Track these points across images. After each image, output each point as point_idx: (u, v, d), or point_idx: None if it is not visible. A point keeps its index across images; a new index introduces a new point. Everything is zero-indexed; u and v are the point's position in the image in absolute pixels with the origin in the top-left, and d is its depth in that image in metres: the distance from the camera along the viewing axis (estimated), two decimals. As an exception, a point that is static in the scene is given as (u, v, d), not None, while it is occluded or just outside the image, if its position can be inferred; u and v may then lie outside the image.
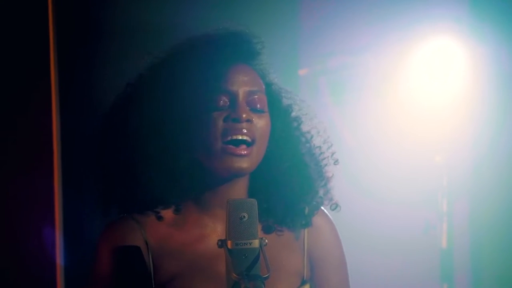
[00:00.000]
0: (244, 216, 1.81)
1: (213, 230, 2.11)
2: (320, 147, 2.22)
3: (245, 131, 2.05)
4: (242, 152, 2.04)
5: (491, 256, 4.42)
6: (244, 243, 1.80)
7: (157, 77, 2.13)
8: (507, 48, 4.18)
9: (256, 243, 1.81)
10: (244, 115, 2.04)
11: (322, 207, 2.24)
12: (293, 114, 2.21)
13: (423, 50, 4.22)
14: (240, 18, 3.84)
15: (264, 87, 2.14)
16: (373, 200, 4.32)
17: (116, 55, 3.52)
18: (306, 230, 2.20)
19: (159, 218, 2.12)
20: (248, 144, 2.05)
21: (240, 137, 2.04)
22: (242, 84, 2.09)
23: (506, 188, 4.33)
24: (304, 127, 2.22)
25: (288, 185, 2.16)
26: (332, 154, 2.23)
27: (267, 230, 2.16)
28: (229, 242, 1.80)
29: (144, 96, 2.12)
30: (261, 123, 2.09)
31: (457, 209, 4.33)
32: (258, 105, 2.10)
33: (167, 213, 2.13)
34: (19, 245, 3.43)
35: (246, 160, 2.05)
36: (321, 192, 2.21)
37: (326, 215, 2.25)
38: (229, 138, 2.04)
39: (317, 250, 2.21)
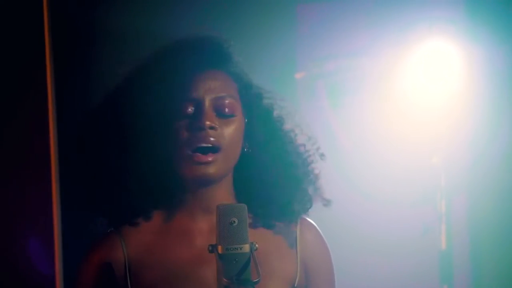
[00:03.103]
0: (234, 221, 1.83)
1: (198, 235, 2.13)
2: (304, 145, 2.24)
3: (210, 138, 2.07)
4: (208, 159, 2.06)
5: (491, 256, 4.42)
6: (235, 248, 1.82)
7: (130, 86, 2.16)
8: (502, 49, 4.19)
9: (246, 247, 1.83)
10: (207, 123, 2.07)
11: (311, 220, 2.25)
12: (275, 113, 2.22)
13: (418, 53, 4.22)
14: (237, 22, 3.91)
15: (236, 91, 2.16)
16: (371, 202, 4.33)
17: (111, 57, 3.53)
18: (298, 241, 2.20)
19: (143, 228, 2.15)
20: (214, 151, 2.07)
21: (204, 145, 2.06)
22: (208, 90, 2.10)
23: (504, 188, 4.34)
24: (287, 126, 2.23)
25: (276, 185, 2.17)
26: (317, 149, 2.24)
27: (258, 233, 2.17)
28: (219, 247, 1.82)
29: (120, 104, 2.15)
30: (228, 129, 2.10)
31: (456, 210, 4.33)
32: (227, 110, 2.11)
33: (151, 223, 2.16)
34: (14, 244, 3.45)
35: (211, 167, 2.07)
36: (310, 191, 2.22)
37: (315, 227, 2.26)
38: (194, 146, 2.06)
39: (309, 261, 2.22)
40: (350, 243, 4.29)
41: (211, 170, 2.07)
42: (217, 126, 2.08)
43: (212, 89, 2.11)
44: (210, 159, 2.06)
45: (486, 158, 4.30)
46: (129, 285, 2.11)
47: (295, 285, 2.17)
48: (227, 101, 2.11)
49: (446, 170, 4.28)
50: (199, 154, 2.06)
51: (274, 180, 2.17)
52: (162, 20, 3.63)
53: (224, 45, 2.19)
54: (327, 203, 2.24)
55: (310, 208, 2.23)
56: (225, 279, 1.80)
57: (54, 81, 3.50)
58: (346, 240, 4.29)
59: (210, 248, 1.84)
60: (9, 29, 3.44)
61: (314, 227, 2.26)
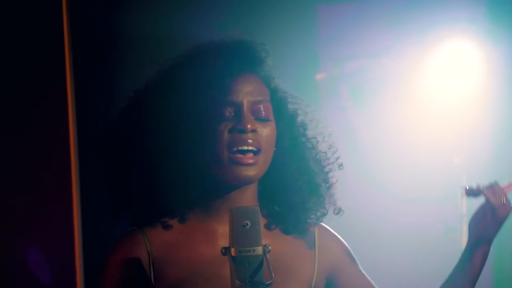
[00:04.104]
0: (246, 224, 1.84)
1: (222, 236, 2.14)
2: (325, 152, 2.25)
3: (251, 141, 2.09)
4: (249, 161, 2.09)
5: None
6: (247, 250, 1.83)
7: (164, 87, 2.17)
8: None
9: (259, 250, 1.83)
10: (249, 126, 2.09)
11: (325, 225, 2.27)
12: (299, 119, 2.24)
13: (440, 53, 4.22)
14: (258, 24, 3.92)
15: (269, 94, 2.18)
16: (392, 202, 4.33)
17: (131, 61, 3.54)
18: (316, 243, 2.23)
19: (167, 227, 2.16)
20: (255, 153, 2.10)
21: (246, 148, 2.09)
22: (247, 94, 2.12)
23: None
24: (310, 133, 2.24)
25: (294, 190, 2.19)
26: (337, 159, 2.26)
27: (276, 235, 2.19)
28: (232, 250, 1.83)
29: (152, 104, 2.16)
30: (266, 131, 2.13)
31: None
32: (263, 114, 2.14)
33: (175, 222, 2.17)
34: (34, 247, 3.46)
35: (253, 169, 2.10)
36: (325, 198, 2.23)
37: (331, 231, 2.28)
38: (235, 148, 2.09)
39: (331, 265, 2.24)
40: (371, 243, 4.29)
41: (252, 172, 2.10)
42: (258, 128, 2.11)
43: (250, 93, 2.13)
44: (251, 161, 2.09)
45: (507, 157, 4.28)
46: (153, 282, 2.12)
47: (312, 286, 2.18)
48: (263, 105, 2.14)
49: (468, 170, 4.27)
50: (239, 155, 2.08)
51: (291, 185, 2.19)
52: (182, 23, 3.64)
53: (258, 49, 2.20)
54: (338, 211, 2.25)
55: (325, 215, 2.24)
56: (237, 281, 1.81)
57: (74, 85, 3.52)
58: (367, 239, 4.30)
59: (223, 251, 1.85)
60: (29, 35, 3.47)
61: (331, 231, 2.28)
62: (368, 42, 4.37)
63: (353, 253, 2.29)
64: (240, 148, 2.09)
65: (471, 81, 4.20)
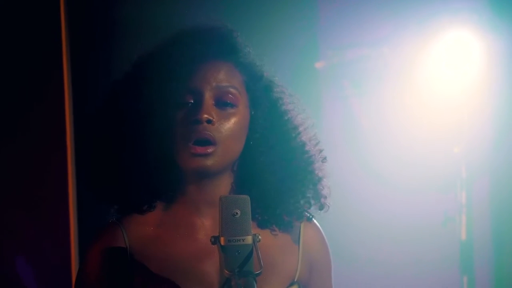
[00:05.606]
0: (236, 213, 1.82)
1: (200, 229, 2.12)
2: (309, 142, 2.20)
3: (207, 132, 2.04)
4: (207, 151, 2.04)
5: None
6: (237, 240, 1.81)
7: (138, 78, 2.15)
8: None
9: (249, 239, 1.81)
10: (205, 116, 2.04)
11: (314, 220, 2.23)
12: (283, 107, 2.19)
13: (440, 42, 4.20)
14: (259, 12, 3.89)
15: (242, 83, 2.13)
16: (392, 192, 4.32)
17: (127, 54, 3.53)
18: (301, 237, 2.19)
19: (143, 219, 2.13)
20: (213, 143, 2.05)
21: (200, 138, 2.04)
22: (209, 80, 2.08)
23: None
24: (294, 121, 2.19)
25: (268, 181, 2.14)
26: (320, 151, 2.21)
27: (262, 226, 2.17)
28: (222, 239, 1.81)
29: (126, 94, 2.15)
30: (227, 123, 2.08)
31: (476, 200, 4.31)
32: (227, 100, 2.09)
33: (153, 215, 2.14)
34: (30, 242, 3.46)
35: (210, 158, 2.05)
36: (311, 191, 2.19)
37: (317, 226, 2.24)
38: (192, 139, 2.05)
39: (311, 258, 2.21)
40: (369, 233, 4.29)
41: (209, 162, 2.05)
42: (214, 119, 2.05)
43: (213, 79, 2.08)
44: (209, 150, 2.04)
45: (507, 148, 4.27)
46: (131, 274, 2.09)
47: (295, 280, 2.16)
48: (228, 91, 2.09)
49: (467, 160, 4.26)
50: (197, 146, 2.04)
51: (275, 176, 2.14)
52: (180, 11, 3.62)
53: (230, 36, 2.16)
54: (322, 207, 2.20)
55: (309, 207, 2.19)
56: (226, 271, 1.79)
57: (71, 78, 3.52)
58: (366, 230, 4.30)
59: (213, 240, 1.82)
60: (26, 27, 3.46)
61: (317, 225, 2.24)
62: (368, 31, 4.36)
63: (331, 260, 2.26)
64: (196, 138, 2.04)
65: (472, 71, 4.18)
